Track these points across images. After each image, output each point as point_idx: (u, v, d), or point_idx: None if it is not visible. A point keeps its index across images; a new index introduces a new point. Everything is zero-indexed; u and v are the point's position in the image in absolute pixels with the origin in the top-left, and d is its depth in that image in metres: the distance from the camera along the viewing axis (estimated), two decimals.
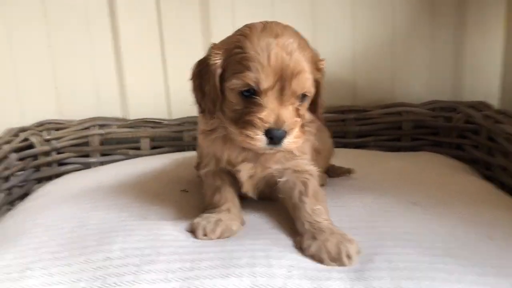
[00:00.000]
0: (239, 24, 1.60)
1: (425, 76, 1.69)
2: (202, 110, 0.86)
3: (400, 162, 1.34)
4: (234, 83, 0.79)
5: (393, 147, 1.62)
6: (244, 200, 0.94)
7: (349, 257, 0.75)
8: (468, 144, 1.49)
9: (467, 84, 1.68)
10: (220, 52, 0.82)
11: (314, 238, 0.79)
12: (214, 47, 0.84)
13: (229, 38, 0.85)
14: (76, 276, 0.74)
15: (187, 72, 1.63)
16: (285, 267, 0.73)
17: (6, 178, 1.38)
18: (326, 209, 0.86)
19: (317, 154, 1.01)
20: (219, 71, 0.82)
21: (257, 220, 0.91)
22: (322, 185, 1.08)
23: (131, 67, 1.68)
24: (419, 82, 1.70)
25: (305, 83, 0.80)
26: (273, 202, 0.94)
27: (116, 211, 0.96)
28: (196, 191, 1.04)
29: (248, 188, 0.91)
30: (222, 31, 1.60)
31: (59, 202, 1.07)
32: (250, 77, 0.77)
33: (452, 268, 0.72)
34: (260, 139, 0.78)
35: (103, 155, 1.62)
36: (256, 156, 0.86)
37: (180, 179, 1.13)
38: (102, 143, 1.62)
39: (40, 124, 1.61)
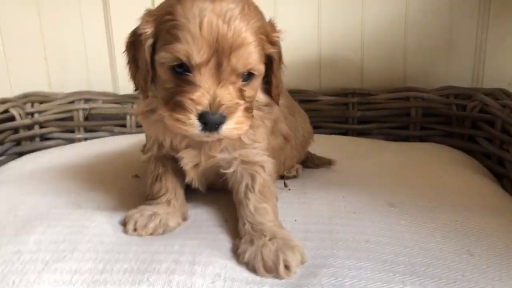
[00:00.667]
0: None
1: (441, 59, 1.51)
2: (135, 87, 0.74)
3: (398, 154, 1.19)
4: (163, 56, 0.66)
5: (399, 136, 1.46)
6: (193, 191, 0.83)
7: (287, 267, 0.63)
8: (482, 136, 1.32)
9: (489, 69, 1.49)
10: (151, 19, 0.69)
11: (251, 242, 0.67)
12: (145, 13, 0.71)
13: (163, 2, 0.71)
14: None
15: None
16: (209, 276, 0.62)
17: None
18: (273, 208, 0.74)
19: (284, 141, 0.88)
20: (149, 41, 0.69)
21: (202, 215, 0.80)
22: (294, 176, 0.97)
23: (122, 39, 1.58)
24: (434, 66, 1.52)
25: (248, 58, 0.65)
26: (226, 194, 0.82)
27: (53, 196, 0.87)
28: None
29: (193, 178, 0.80)
30: None
31: (8, 181, 0.99)
32: (179, 50, 0.64)
33: None
34: (192, 124, 0.64)
35: (88, 131, 1.54)
36: (200, 142, 0.74)
37: (135, 163, 1.03)
38: (87, 118, 1.54)
39: (24, 96, 1.54)
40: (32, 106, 1.52)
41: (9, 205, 0.84)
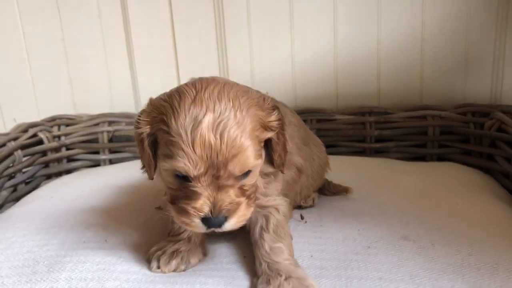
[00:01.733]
0: (254, 17, 1.51)
1: (459, 76, 1.52)
2: (142, 167, 0.78)
3: (415, 177, 1.20)
4: (164, 166, 0.69)
5: (417, 154, 1.48)
6: None
7: None
8: (500, 155, 1.32)
9: (508, 85, 1.49)
10: (148, 120, 0.71)
11: (268, 282, 0.71)
12: (144, 111, 0.73)
13: (159, 101, 0.72)
14: None
15: (200, 66, 1.59)
16: None
17: (11, 175, 1.38)
18: (288, 247, 0.77)
19: (298, 173, 0.91)
20: (148, 140, 0.72)
21: (220, 251, 0.83)
22: (310, 206, 1.00)
23: (143, 61, 1.64)
24: (452, 84, 1.53)
25: (245, 163, 0.67)
26: (243, 229, 0.85)
27: (81, 230, 0.91)
28: None
29: None
30: (236, 24, 1.56)
31: (35, 212, 1.04)
32: (177, 166, 0.66)
33: None
34: (197, 226, 0.68)
35: (112, 152, 1.60)
36: None
37: (159, 193, 1.06)
38: (111, 140, 1.59)
39: (52, 119, 1.60)
40: (59, 129, 1.58)
41: (40, 239, 0.89)
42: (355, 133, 1.50)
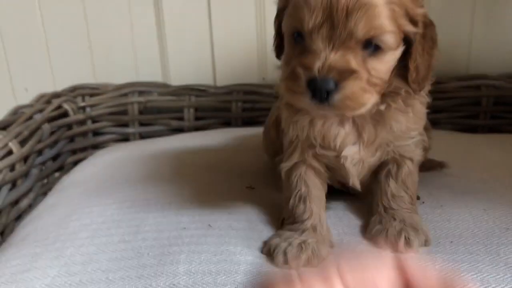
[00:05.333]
0: None
1: (510, 42, 1.45)
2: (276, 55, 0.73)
3: (489, 149, 1.12)
4: (284, 25, 0.65)
5: (468, 126, 1.42)
6: None
7: (408, 244, 0.66)
8: None
9: None
10: None
11: (379, 222, 0.71)
12: None
13: None
14: None
15: (236, 32, 1.46)
16: None
17: (40, 152, 1.24)
18: (412, 196, 0.75)
19: None
20: (279, 16, 0.68)
21: (347, 238, 0.74)
22: None
23: (173, 24, 1.49)
24: (502, 50, 1.46)
25: (371, 21, 0.57)
26: (364, 207, 0.80)
27: (173, 213, 0.80)
28: (264, 189, 0.88)
29: (356, 181, 0.74)
30: None
31: (103, 192, 0.92)
32: (294, 16, 0.61)
33: None
34: (302, 92, 0.59)
35: (143, 125, 1.47)
36: (356, 136, 0.69)
37: (242, 171, 0.96)
38: (141, 112, 1.46)
39: (73, 89, 1.45)
40: (83, 99, 1.43)
41: (128, 225, 0.77)
42: None
